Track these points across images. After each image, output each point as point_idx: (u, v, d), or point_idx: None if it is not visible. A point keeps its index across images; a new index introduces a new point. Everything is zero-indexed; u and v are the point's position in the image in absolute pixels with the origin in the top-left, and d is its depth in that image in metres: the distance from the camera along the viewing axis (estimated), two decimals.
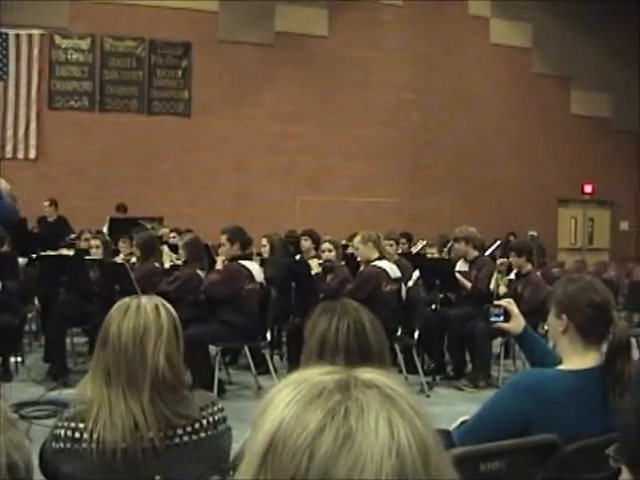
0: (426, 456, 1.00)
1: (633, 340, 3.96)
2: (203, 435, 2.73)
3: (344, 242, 11.45)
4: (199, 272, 8.92)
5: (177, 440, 2.67)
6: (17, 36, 17.33)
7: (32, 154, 17.51)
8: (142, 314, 2.71)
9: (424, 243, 13.36)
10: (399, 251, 10.98)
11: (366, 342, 2.71)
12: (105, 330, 2.72)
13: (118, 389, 2.63)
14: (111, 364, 2.66)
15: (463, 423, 3.24)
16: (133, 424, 2.58)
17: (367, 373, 1.08)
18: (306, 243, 10.52)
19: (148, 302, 2.76)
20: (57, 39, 17.81)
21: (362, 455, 0.97)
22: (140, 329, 2.68)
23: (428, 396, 8.70)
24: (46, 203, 14.32)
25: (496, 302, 3.93)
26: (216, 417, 2.80)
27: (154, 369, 2.65)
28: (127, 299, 2.80)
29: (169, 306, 2.81)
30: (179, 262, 9.26)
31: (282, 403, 1.04)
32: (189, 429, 2.70)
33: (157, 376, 2.65)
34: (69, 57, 17.95)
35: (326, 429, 0.99)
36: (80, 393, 2.70)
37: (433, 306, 9.51)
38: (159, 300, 2.82)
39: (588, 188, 23.36)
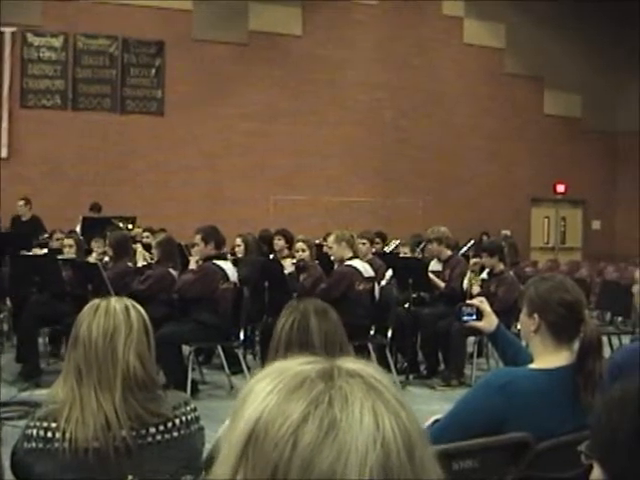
0: (411, 448, 0.99)
1: (604, 339, 3.99)
2: (176, 434, 2.73)
3: (317, 242, 11.46)
4: (171, 271, 8.90)
5: (150, 439, 2.67)
6: None
7: (4, 153, 17.35)
8: (112, 314, 2.72)
9: (397, 242, 13.38)
10: (373, 250, 10.99)
11: (308, 339, 2.74)
12: (76, 330, 2.73)
13: (90, 388, 2.63)
14: (82, 363, 2.66)
15: (436, 422, 3.25)
16: (105, 423, 2.58)
17: (350, 363, 1.06)
18: (279, 242, 10.54)
19: (118, 303, 2.78)
20: (29, 37, 17.67)
21: (346, 445, 0.95)
22: (110, 328, 2.68)
23: None
24: (20, 202, 14.24)
25: (468, 301, 3.95)
26: (189, 416, 2.80)
27: (125, 367, 2.65)
28: (97, 300, 2.81)
29: (139, 307, 2.82)
30: (153, 261, 9.23)
31: (263, 392, 1.02)
32: (162, 428, 2.70)
33: (128, 374, 2.65)
34: (41, 55, 17.81)
35: (310, 418, 0.97)
36: (53, 394, 2.70)
37: (406, 305, 9.53)
38: (129, 301, 2.83)
39: (560, 188, 23.50)
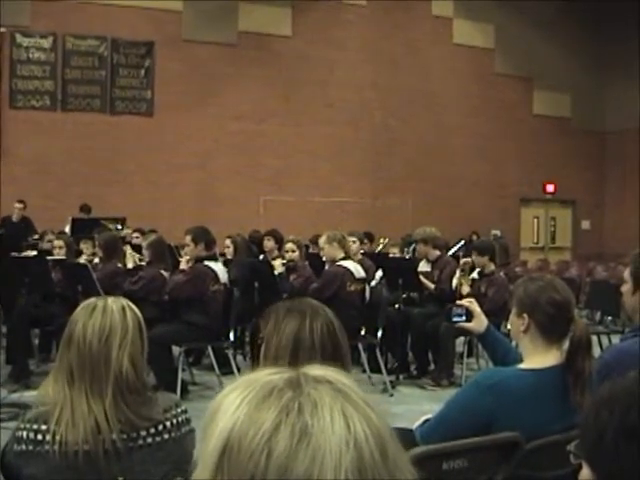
0: (383, 448, 1.00)
1: (594, 338, 3.99)
2: (166, 437, 2.72)
3: (307, 242, 11.46)
4: (163, 272, 8.88)
5: (140, 442, 2.66)
6: None
7: None
8: (108, 314, 2.69)
9: (385, 241, 13.39)
10: (362, 251, 11.00)
11: (338, 342, 2.72)
12: (70, 330, 2.70)
13: (81, 390, 2.61)
14: (75, 364, 2.64)
15: (426, 422, 3.26)
16: (95, 425, 2.56)
17: (316, 370, 1.08)
18: (269, 243, 10.53)
19: (114, 303, 2.74)
20: (18, 37, 17.62)
21: (320, 450, 0.96)
22: (106, 329, 2.66)
23: (391, 395, 8.73)
24: (19, 205, 14.33)
25: (458, 302, 3.95)
26: (179, 419, 2.79)
27: (118, 370, 2.63)
28: (93, 299, 2.78)
29: (135, 308, 2.80)
30: (143, 263, 9.20)
31: (232, 405, 1.03)
32: (152, 431, 2.69)
33: (121, 378, 2.63)
34: (31, 56, 17.76)
35: (282, 426, 0.98)
36: (42, 394, 2.68)
37: (396, 305, 9.53)
38: (125, 301, 2.80)
39: (550, 187, 23.56)
